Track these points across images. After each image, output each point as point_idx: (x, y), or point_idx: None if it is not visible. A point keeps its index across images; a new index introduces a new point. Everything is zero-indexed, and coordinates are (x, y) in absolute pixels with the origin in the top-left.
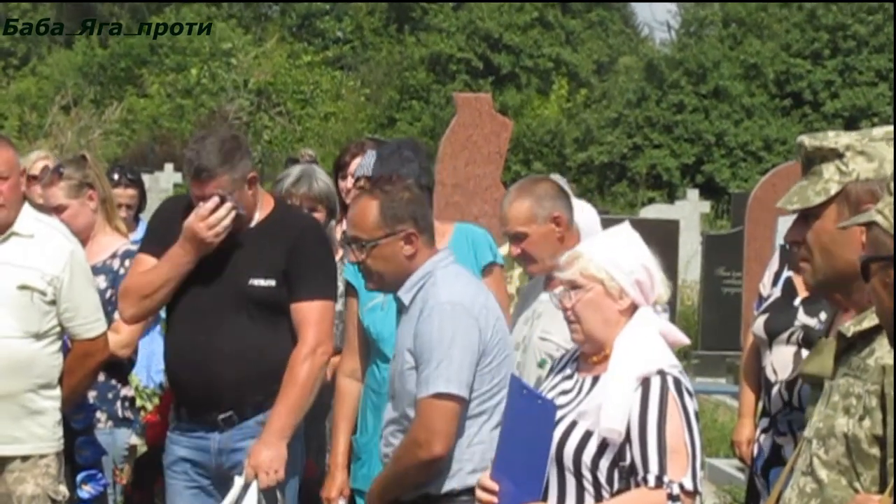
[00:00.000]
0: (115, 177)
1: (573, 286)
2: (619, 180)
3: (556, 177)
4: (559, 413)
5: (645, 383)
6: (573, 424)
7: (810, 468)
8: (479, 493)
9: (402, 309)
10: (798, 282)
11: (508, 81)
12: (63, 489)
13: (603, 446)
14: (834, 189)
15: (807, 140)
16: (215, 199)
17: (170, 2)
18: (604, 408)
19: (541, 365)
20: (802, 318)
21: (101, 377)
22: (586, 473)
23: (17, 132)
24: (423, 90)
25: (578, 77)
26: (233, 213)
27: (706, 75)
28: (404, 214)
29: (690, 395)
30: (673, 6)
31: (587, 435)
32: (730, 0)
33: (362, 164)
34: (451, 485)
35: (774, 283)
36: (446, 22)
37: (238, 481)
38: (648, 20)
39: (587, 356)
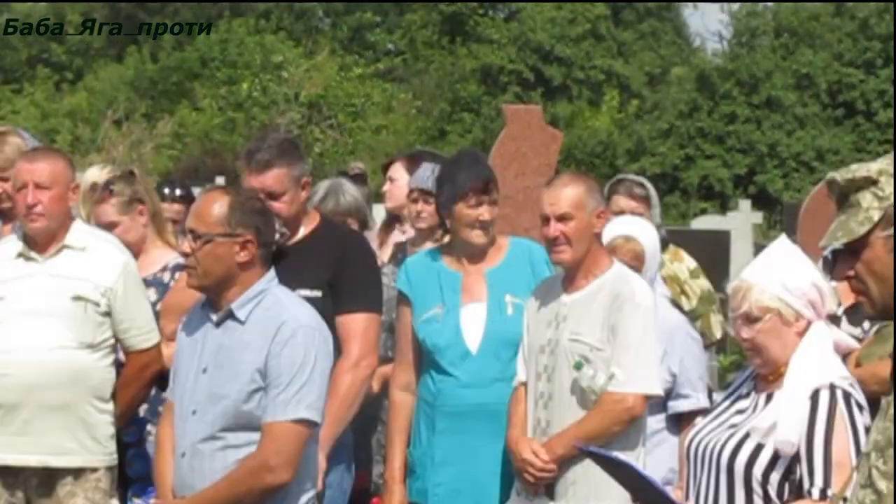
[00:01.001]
0: (165, 191)
1: (749, 319)
2: (671, 191)
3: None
4: (733, 428)
5: (814, 397)
6: (746, 437)
7: (869, 480)
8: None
9: (221, 320)
10: (841, 291)
11: (560, 93)
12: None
13: (774, 459)
14: (876, 216)
15: (838, 175)
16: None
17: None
18: (779, 421)
19: (577, 367)
20: (846, 327)
21: (153, 391)
22: (756, 486)
23: (69, 146)
24: (474, 102)
25: (630, 88)
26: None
27: (758, 85)
28: (249, 222)
29: (861, 408)
30: (725, 16)
31: (758, 448)
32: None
33: (417, 176)
34: None
35: None
36: (498, 34)
37: None
38: (700, 30)
39: (763, 376)
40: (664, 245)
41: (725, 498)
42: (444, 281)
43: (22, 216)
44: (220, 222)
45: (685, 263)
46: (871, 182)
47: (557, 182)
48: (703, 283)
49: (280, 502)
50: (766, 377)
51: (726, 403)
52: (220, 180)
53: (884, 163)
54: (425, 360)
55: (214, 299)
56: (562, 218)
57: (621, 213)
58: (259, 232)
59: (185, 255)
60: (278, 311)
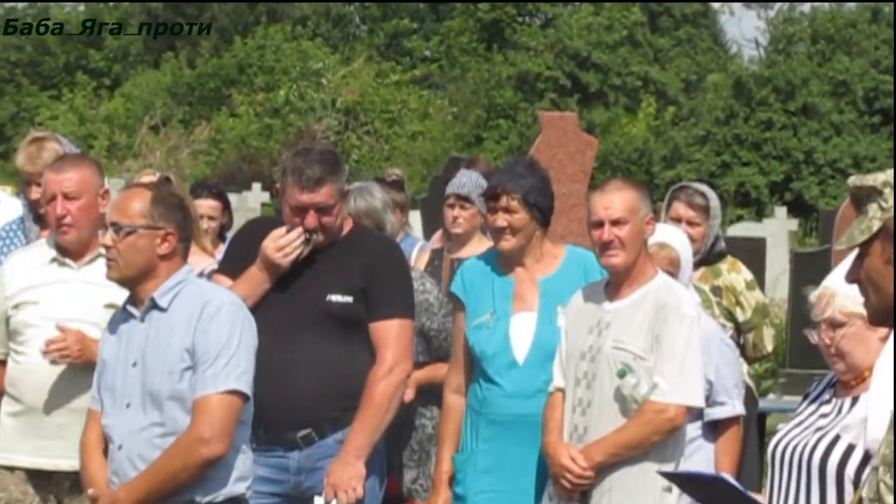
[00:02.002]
0: (200, 191)
1: (833, 324)
2: None
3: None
4: (821, 431)
5: None
6: (836, 438)
7: (877, 494)
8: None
9: (144, 312)
10: None
11: (596, 100)
12: None
13: (866, 459)
14: (876, 226)
15: (852, 179)
16: (289, 227)
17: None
18: (869, 421)
19: (620, 375)
20: None
21: None
22: (849, 486)
23: (106, 152)
24: (510, 109)
25: (666, 95)
26: (303, 238)
27: (795, 92)
28: (170, 216)
29: None
30: (761, 23)
31: (850, 448)
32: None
33: (453, 182)
34: (218, 491)
35: None
36: (534, 40)
37: (318, 501)
38: (737, 37)
39: (845, 382)
40: (722, 255)
41: (818, 499)
42: (497, 287)
43: (53, 228)
44: (142, 215)
45: (742, 275)
46: (876, 192)
47: (610, 187)
48: (758, 296)
49: (222, 486)
50: (848, 382)
51: (809, 409)
52: (256, 186)
53: (890, 175)
54: (475, 367)
55: (135, 293)
56: (616, 222)
57: (678, 220)
58: (179, 227)
59: (107, 247)
60: (200, 294)
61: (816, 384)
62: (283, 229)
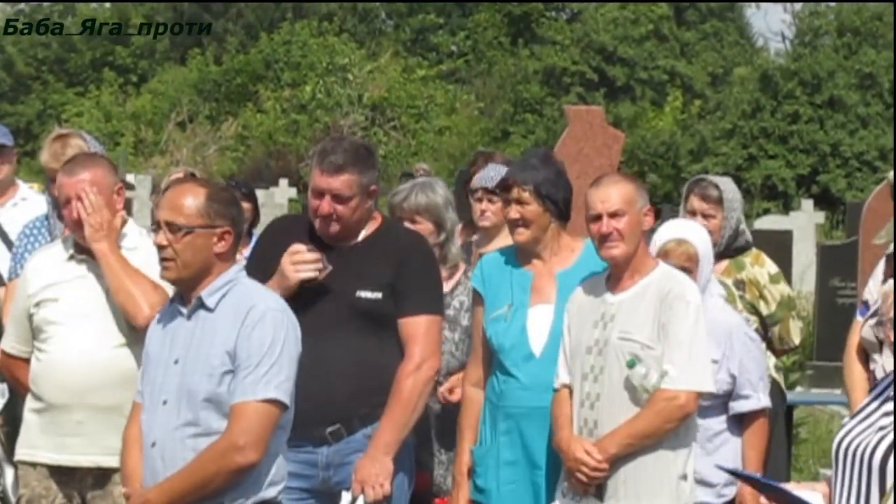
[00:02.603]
0: None
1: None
2: None
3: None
4: (884, 430)
5: None
6: None
7: None
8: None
9: (191, 311)
10: None
11: (623, 94)
12: None
13: None
14: None
15: (890, 175)
16: (310, 247)
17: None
18: None
19: (630, 365)
20: None
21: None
22: None
23: (132, 149)
24: (537, 103)
25: (693, 88)
26: (319, 264)
27: (821, 85)
28: (226, 213)
29: None
30: (787, 16)
31: None
32: None
33: (480, 176)
34: (248, 495)
35: None
36: (560, 35)
37: (346, 497)
38: (763, 31)
39: None
40: (746, 248)
41: (877, 499)
42: (515, 280)
43: (71, 230)
44: (199, 214)
45: (766, 268)
46: None
47: (606, 181)
48: (784, 289)
49: (254, 490)
50: None
51: (873, 406)
52: (283, 182)
53: None
54: (494, 360)
55: (186, 292)
56: (614, 214)
57: (694, 213)
58: (234, 223)
59: (161, 247)
60: (247, 297)
61: (883, 379)
62: (302, 246)
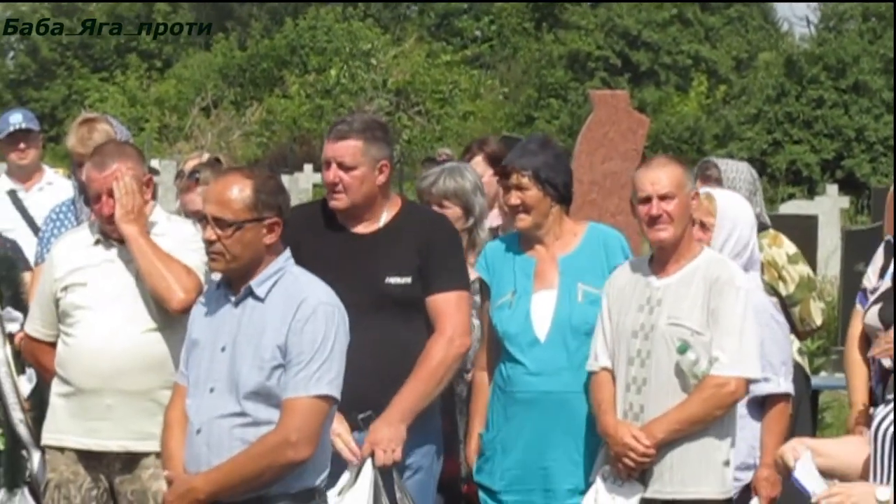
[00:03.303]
0: None
1: None
2: (758, 176)
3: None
4: None
5: None
6: None
7: None
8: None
9: (240, 299)
10: None
11: (647, 78)
12: None
13: None
14: None
15: None
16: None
17: (308, 1)
18: None
19: (681, 351)
20: None
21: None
22: None
23: (157, 134)
24: (561, 88)
25: (717, 73)
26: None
27: (846, 70)
28: (273, 202)
29: None
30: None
31: None
32: None
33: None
34: (292, 484)
35: (881, 276)
36: (584, 20)
37: (367, 464)
38: (788, 15)
39: None
40: (763, 229)
41: None
42: (518, 266)
43: (104, 224)
44: (247, 208)
45: (784, 248)
46: None
47: (655, 163)
48: (803, 269)
49: (298, 479)
50: None
51: None
52: (308, 168)
53: None
54: (501, 346)
55: (235, 281)
56: (664, 197)
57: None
58: (282, 211)
59: (210, 241)
60: (297, 288)
61: None
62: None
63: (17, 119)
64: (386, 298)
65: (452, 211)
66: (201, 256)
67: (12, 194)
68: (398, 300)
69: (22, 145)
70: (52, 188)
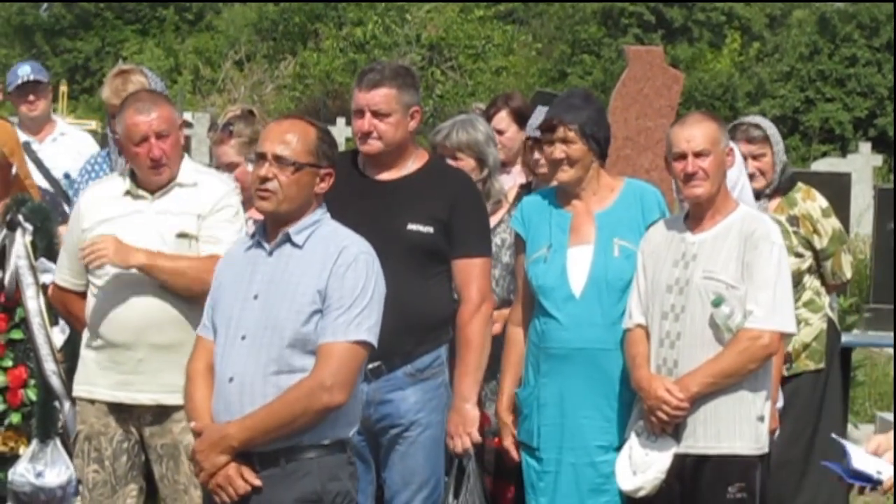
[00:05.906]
0: None
1: None
2: (791, 134)
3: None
4: None
5: None
6: None
7: None
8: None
9: (275, 247)
10: None
11: (680, 35)
12: None
13: None
14: None
15: None
16: None
17: None
18: None
19: (716, 304)
20: None
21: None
22: None
23: (190, 87)
24: (594, 44)
25: (751, 31)
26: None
27: (879, 28)
28: (331, 153)
29: None
30: None
31: None
32: None
33: (530, 124)
34: (325, 434)
35: None
36: None
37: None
38: None
39: None
40: (792, 184)
41: None
42: (554, 221)
43: (146, 168)
44: (308, 151)
45: (818, 202)
46: None
47: (690, 119)
48: (835, 223)
49: (331, 428)
50: None
51: None
52: (340, 121)
53: None
54: (535, 301)
55: (274, 226)
56: (699, 154)
57: (745, 158)
58: (333, 164)
59: (265, 178)
60: (337, 237)
61: None
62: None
63: (25, 71)
64: (407, 245)
65: (466, 162)
66: (234, 226)
67: (26, 146)
68: (419, 248)
69: (31, 97)
70: (66, 139)
